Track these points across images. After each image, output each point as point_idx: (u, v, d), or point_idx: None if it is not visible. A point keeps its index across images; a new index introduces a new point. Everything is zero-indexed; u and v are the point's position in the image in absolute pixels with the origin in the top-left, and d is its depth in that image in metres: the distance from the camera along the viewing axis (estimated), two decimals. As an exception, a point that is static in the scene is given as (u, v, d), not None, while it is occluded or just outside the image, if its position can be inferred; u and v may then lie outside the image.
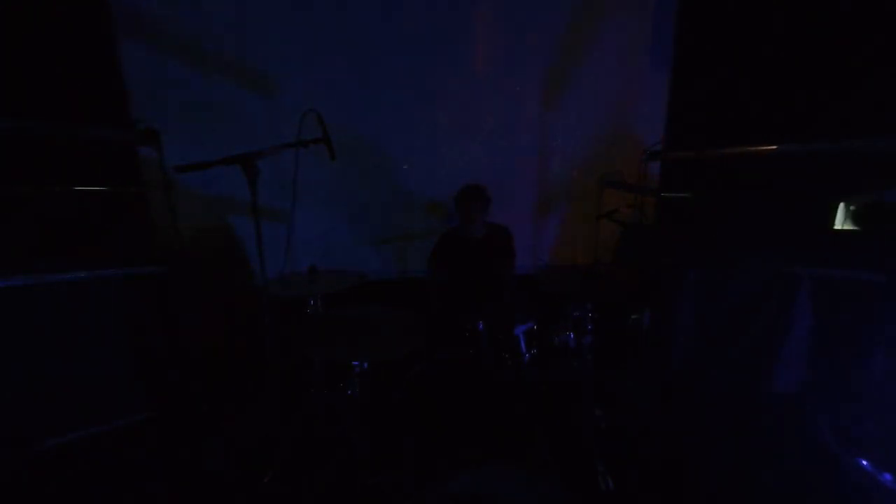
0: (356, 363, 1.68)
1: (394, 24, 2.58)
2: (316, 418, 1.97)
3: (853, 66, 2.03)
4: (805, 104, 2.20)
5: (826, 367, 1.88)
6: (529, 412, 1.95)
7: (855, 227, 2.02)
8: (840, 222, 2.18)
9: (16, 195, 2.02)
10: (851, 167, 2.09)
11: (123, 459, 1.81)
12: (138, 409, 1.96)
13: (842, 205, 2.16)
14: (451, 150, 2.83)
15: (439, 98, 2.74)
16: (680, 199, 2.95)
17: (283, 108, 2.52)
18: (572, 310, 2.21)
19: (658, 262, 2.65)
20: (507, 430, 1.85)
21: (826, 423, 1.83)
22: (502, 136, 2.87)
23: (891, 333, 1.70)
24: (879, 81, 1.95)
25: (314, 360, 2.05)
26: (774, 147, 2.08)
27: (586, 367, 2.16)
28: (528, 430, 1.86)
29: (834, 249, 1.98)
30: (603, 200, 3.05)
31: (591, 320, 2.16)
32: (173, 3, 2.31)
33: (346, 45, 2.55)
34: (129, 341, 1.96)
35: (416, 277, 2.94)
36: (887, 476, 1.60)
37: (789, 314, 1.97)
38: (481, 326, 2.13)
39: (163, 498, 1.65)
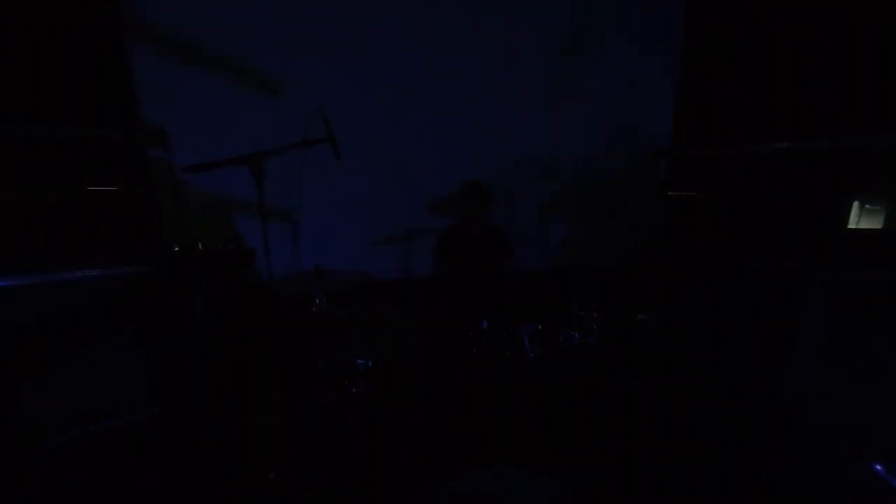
0: (360, 361, 1.69)
1: (400, 23, 2.59)
2: (320, 416, 1.98)
3: (864, 62, 1.98)
4: (813, 102, 2.16)
5: (839, 369, 1.84)
6: (533, 412, 1.94)
7: (869, 226, 1.97)
8: (854, 221, 2.13)
9: (26, 195, 2.06)
10: (865, 164, 2.04)
11: (128, 457, 1.83)
12: (143, 407, 1.99)
13: (855, 203, 2.11)
14: (457, 150, 2.83)
15: (446, 98, 2.74)
16: (687, 197, 2.91)
17: (289, 109, 2.53)
18: (577, 310, 2.19)
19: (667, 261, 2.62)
20: (510, 429, 1.85)
21: (838, 427, 1.79)
22: (509, 135, 2.86)
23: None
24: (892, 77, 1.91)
25: (319, 358, 2.06)
26: (785, 144, 2.04)
27: (591, 367, 2.14)
28: (531, 430, 1.85)
29: (847, 249, 1.94)
30: (609, 200, 3.03)
31: (596, 320, 2.14)
32: (182, 5, 2.35)
33: (351, 45, 2.56)
34: (135, 339, 1.98)
35: (419, 278, 2.95)
36: (902, 481, 1.57)
37: (801, 315, 1.93)
38: (485, 325, 2.13)
39: (168, 495, 1.68)
